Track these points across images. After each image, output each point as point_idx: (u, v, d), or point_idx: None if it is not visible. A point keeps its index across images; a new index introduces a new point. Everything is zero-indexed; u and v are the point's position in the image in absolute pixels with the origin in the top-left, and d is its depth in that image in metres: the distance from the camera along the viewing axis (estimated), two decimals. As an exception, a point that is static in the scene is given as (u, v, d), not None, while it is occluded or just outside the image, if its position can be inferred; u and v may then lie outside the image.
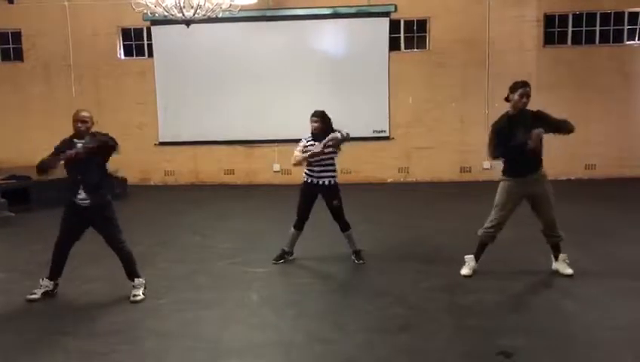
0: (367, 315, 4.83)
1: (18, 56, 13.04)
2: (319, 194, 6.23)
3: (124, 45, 12.93)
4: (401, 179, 12.31)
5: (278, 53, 12.26)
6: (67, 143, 5.37)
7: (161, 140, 12.77)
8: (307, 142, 6.25)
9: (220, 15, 8.25)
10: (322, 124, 6.19)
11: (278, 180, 12.56)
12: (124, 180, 11.37)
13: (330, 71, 12.19)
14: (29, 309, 5.18)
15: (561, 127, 5.70)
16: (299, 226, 6.29)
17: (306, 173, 6.26)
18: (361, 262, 6.25)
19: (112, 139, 5.36)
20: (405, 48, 12.37)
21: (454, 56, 12.05)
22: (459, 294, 5.26)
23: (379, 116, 12.19)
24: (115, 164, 11.95)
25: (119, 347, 4.28)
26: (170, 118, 12.65)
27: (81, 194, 5.34)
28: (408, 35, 12.33)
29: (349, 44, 12.27)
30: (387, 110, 12.16)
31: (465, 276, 5.72)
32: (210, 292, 5.53)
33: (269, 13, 12.15)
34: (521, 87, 5.67)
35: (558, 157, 12.10)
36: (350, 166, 12.43)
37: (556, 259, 5.84)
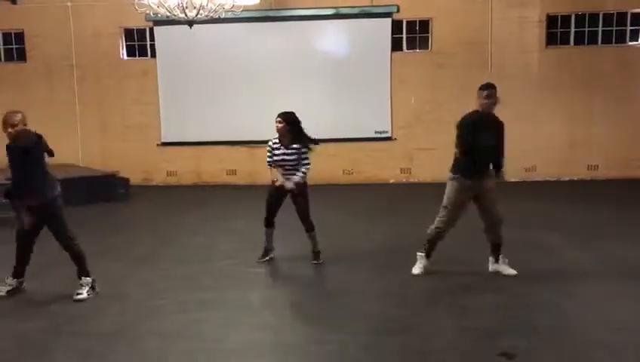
0: (367, 317, 4.82)
1: (21, 56, 13.06)
2: (287, 193, 6.30)
3: (126, 45, 12.95)
4: (403, 180, 12.30)
5: (280, 53, 12.26)
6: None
7: (163, 141, 12.78)
8: (274, 144, 6.35)
9: (222, 15, 8.25)
10: (287, 125, 6.29)
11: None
12: (126, 181, 11.37)
13: (333, 71, 12.19)
14: (28, 309, 5.17)
15: (497, 155, 5.78)
16: (269, 224, 6.41)
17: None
18: (319, 262, 6.29)
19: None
20: (407, 49, 12.37)
21: (456, 57, 12.04)
22: (459, 295, 5.25)
23: (381, 117, 12.18)
24: (117, 164, 12.10)
25: (119, 347, 4.28)
26: (173, 119, 12.66)
27: (25, 195, 5.34)
28: (410, 35, 12.33)
29: (351, 44, 12.27)
30: (389, 111, 12.15)
31: (415, 275, 5.78)
32: (211, 293, 5.53)
33: (271, 14, 12.16)
34: (486, 88, 5.74)
35: (560, 158, 12.14)
36: (352, 166, 12.45)
37: (496, 260, 5.84)
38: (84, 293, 5.37)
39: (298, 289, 5.59)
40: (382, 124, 12.14)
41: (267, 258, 6.45)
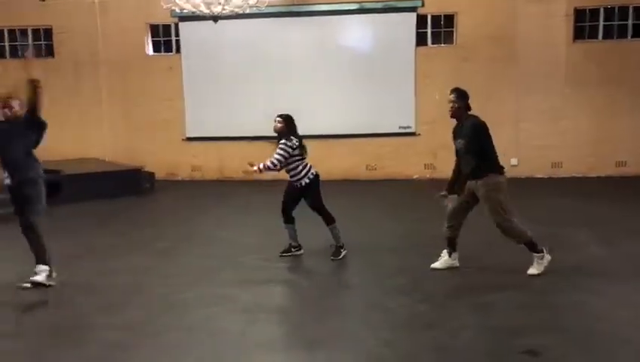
0: (391, 312, 4.81)
1: (49, 52, 13.28)
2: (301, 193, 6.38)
3: (152, 41, 13.08)
4: (427, 176, 12.23)
5: (304, 48, 12.27)
6: None
7: (187, 136, 12.89)
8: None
9: (247, 11, 8.29)
10: (285, 126, 6.37)
11: (303, 176, 12.58)
12: (151, 175, 11.50)
13: (356, 66, 12.15)
14: (56, 300, 5.27)
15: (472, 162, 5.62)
16: (287, 220, 6.45)
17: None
18: (337, 258, 6.29)
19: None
20: (432, 43, 12.28)
21: (482, 52, 11.92)
22: (482, 292, 5.20)
23: (405, 112, 12.13)
24: (142, 159, 12.23)
25: (143, 340, 4.33)
26: (197, 114, 12.75)
27: (6, 175, 5.43)
28: (435, 30, 12.24)
29: (375, 39, 12.23)
30: (413, 106, 12.09)
31: (436, 269, 5.80)
32: (234, 287, 5.56)
33: (295, 9, 12.17)
34: (450, 93, 5.79)
35: (587, 154, 11.95)
36: (375, 162, 12.41)
37: (450, 255, 5.82)
38: (32, 281, 5.38)
39: (320, 284, 5.59)
40: (406, 119, 12.09)
41: (290, 254, 6.44)
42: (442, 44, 12.28)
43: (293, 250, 6.48)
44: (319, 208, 6.36)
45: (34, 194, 5.49)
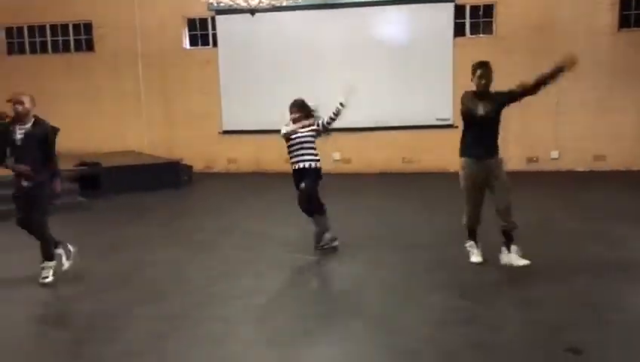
0: (429, 307, 4.74)
1: (89, 46, 13.53)
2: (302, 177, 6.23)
3: (189, 35, 13.19)
4: (465, 169, 12.03)
5: (340, 40, 12.21)
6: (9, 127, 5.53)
7: (224, 129, 12.98)
8: (287, 129, 6.30)
9: (283, 3, 8.27)
10: (301, 112, 6.30)
11: (337, 169, 12.54)
12: (189, 168, 11.63)
13: (393, 58, 12.04)
14: (95, 291, 5.36)
15: (520, 91, 5.63)
16: (307, 213, 6.35)
17: (291, 161, 6.30)
18: (317, 247, 6.27)
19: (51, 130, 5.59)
20: (470, 34, 12.07)
21: (522, 42, 11.66)
22: (523, 287, 5.09)
23: (442, 103, 11.95)
24: (180, 152, 12.38)
25: (182, 331, 4.37)
26: (234, 107, 12.83)
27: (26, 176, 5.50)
28: (474, 20, 12.02)
29: (412, 30, 12.08)
30: (451, 97, 11.90)
31: (476, 263, 5.68)
32: (269, 280, 5.57)
33: (331, 1, 12.10)
34: (478, 68, 5.57)
35: (631, 147, 11.59)
36: (411, 155, 12.29)
37: (508, 249, 5.62)
38: (49, 276, 5.55)
39: (356, 278, 5.55)
40: (443, 111, 11.92)
41: (323, 244, 6.36)
42: (481, 35, 12.06)
43: (326, 240, 6.42)
44: (310, 197, 6.23)
45: (44, 196, 5.61)
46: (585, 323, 4.31)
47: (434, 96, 11.96)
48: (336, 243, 6.40)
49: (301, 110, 6.30)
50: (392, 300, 4.99)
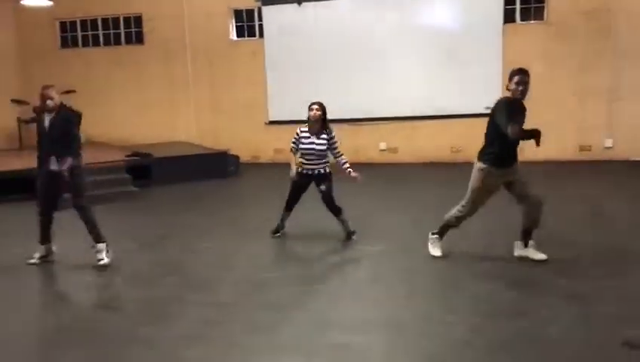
0: (479, 298, 4.69)
1: (139, 39, 13.81)
2: (312, 181, 6.45)
3: (236, 26, 13.31)
4: (514, 158, 11.78)
5: (387, 29, 12.10)
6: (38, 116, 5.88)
7: (270, 119, 13.06)
8: (302, 132, 6.40)
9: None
10: (322, 114, 6.33)
11: (384, 159, 12.49)
12: (236, 158, 11.77)
13: (441, 46, 11.87)
14: (148, 278, 5.50)
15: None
16: (288, 208, 6.64)
17: (301, 162, 6.44)
18: (350, 239, 6.41)
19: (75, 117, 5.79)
20: (521, 20, 11.78)
21: (575, 28, 11.32)
22: (575, 279, 4.97)
23: (491, 92, 11.62)
24: (227, 142, 12.53)
25: (234, 316, 4.45)
26: (280, 98, 12.89)
27: (52, 163, 5.67)
28: (524, 6, 11.73)
29: (460, 17, 11.88)
30: (500, 86, 11.58)
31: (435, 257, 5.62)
32: (319, 268, 5.61)
33: (378, -11, 12.00)
34: (517, 74, 5.24)
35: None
36: (460, 143, 12.09)
37: (526, 245, 5.51)
38: (104, 257, 5.74)
39: (407, 268, 5.52)
40: (492, 99, 11.62)
41: (278, 234, 6.66)
42: (532, 21, 11.75)
43: (280, 231, 6.68)
44: (330, 198, 6.45)
45: (81, 180, 5.82)
46: (640, 316, 4.19)
47: (483, 85, 11.73)
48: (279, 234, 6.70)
49: (322, 109, 6.35)
50: (441, 289, 4.96)
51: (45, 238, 5.93)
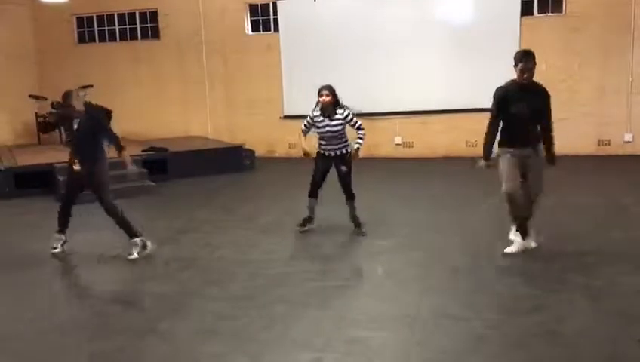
0: (496, 294, 4.66)
1: (155, 34, 13.87)
2: (332, 163, 6.38)
3: (251, 21, 13.31)
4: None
5: (401, 23, 12.03)
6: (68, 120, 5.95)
7: (285, 114, 13.07)
8: (315, 117, 6.34)
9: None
10: (332, 98, 6.27)
11: (399, 153, 12.44)
12: (251, 153, 11.80)
13: (456, 39, 11.78)
14: (164, 273, 5.54)
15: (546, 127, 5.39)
16: (313, 194, 6.47)
17: (320, 144, 6.41)
18: (362, 234, 6.39)
19: (104, 115, 6.06)
20: (539, 12, 11.64)
21: (594, 20, 11.16)
22: (592, 276, 4.92)
23: (508, 86, 11.60)
24: (242, 136, 12.57)
25: (249, 311, 4.47)
26: (295, 92, 12.88)
27: (77, 163, 5.81)
28: (542, -2, 11.61)
29: (477, 9, 11.77)
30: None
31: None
32: (334, 263, 5.62)
33: (393, -18, 11.92)
34: (520, 60, 5.31)
35: None
36: (475, 138, 11.96)
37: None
38: (134, 253, 5.85)
39: (423, 262, 5.50)
40: (509, 93, 11.56)
41: (307, 228, 6.53)
42: (550, 13, 11.61)
43: (309, 223, 6.60)
44: (349, 179, 6.44)
45: (105, 180, 5.91)
46: (661, 313, 4.14)
47: (499, 78, 11.55)
48: (312, 225, 6.61)
49: (332, 94, 6.31)
50: (456, 284, 4.94)
51: (63, 226, 6.08)
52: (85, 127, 5.77)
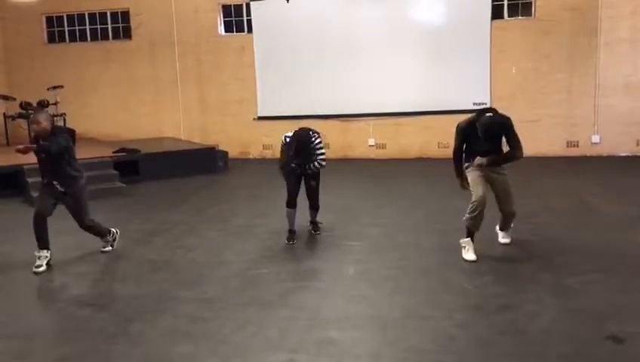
0: (465, 293, 4.73)
1: (127, 34, 13.73)
2: (302, 176, 6.40)
3: (224, 21, 13.26)
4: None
5: (375, 25, 12.12)
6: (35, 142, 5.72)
7: (259, 115, 13.04)
8: (287, 139, 6.20)
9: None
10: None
11: (373, 154, 12.52)
12: (225, 154, 11.75)
13: (429, 41, 11.91)
14: (136, 275, 5.49)
15: (510, 154, 5.55)
16: (292, 204, 6.38)
17: (296, 162, 6.24)
18: (317, 233, 6.61)
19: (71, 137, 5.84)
20: (509, 16, 11.83)
21: (562, 24, 11.39)
22: (562, 275, 5.01)
23: (479, 87, 11.77)
24: (215, 138, 12.51)
25: (221, 313, 4.45)
26: (269, 93, 12.88)
27: (56, 183, 5.68)
28: (512, 2, 11.78)
29: (448, 13, 11.90)
30: (488, 81, 11.72)
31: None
32: (307, 264, 5.62)
33: (366, -15, 12.00)
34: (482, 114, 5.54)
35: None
36: (447, 140, 12.10)
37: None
38: (108, 248, 6.12)
39: (394, 263, 5.54)
40: (480, 95, 11.73)
41: (293, 242, 6.33)
42: (519, 17, 11.80)
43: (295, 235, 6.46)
44: (317, 192, 6.52)
45: (84, 199, 5.86)
46: (627, 312, 4.22)
47: (471, 81, 11.78)
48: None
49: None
50: (427, 284, 4.98)
51: (45, 242, 5.71)
52: (56, 148, 5.57)
